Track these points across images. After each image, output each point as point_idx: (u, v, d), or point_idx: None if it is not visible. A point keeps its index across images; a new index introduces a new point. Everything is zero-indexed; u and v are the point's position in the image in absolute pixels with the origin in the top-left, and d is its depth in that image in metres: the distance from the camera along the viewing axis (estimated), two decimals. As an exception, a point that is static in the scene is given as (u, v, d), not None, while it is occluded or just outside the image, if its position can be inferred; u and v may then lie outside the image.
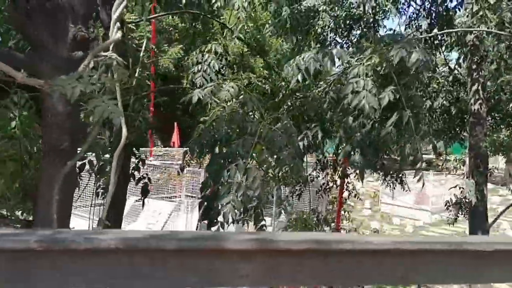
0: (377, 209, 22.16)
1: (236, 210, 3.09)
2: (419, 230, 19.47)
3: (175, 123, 16.35)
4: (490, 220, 7.07)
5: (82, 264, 0.91)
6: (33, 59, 2.37)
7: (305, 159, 7.23)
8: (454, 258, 1.20)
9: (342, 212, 12.67)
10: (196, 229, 3.33)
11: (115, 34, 2.43)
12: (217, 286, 1.07)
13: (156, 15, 7.94)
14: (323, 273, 1.13)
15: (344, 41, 7.92)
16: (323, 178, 9.18)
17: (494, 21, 5.77)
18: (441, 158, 26.23)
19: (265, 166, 3.09)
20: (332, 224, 12.26)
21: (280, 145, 3.26)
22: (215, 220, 3.35)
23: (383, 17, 7.73)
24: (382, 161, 9.37)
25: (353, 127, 4.35)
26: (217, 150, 3.35)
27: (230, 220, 3.23)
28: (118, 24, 2.51)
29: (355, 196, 10.34)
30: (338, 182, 9.64)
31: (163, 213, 12.22)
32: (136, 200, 11.90)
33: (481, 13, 5.62)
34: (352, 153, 4.35)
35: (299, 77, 4.45)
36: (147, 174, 4.50)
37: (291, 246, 1.07)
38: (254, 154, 3.34)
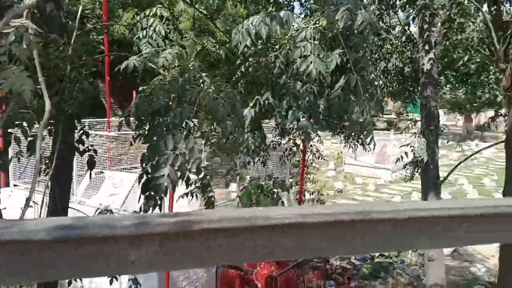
0: (340, 170, 22.61)
1: (172, 182, 2.99)
2: (380, 188, 20.08)
3: (134, 92, 15.89)
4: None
5: None
6: None
7: (266, 125, 7.18)
8: (371, 227, 1.17)
9: (306, 175, 12.81)
10: (138, 202, 3.19)
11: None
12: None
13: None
14: (230, 251, 1.08)
15: (299, 3, 7.76)
16: (285, 143, 9.18)
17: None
18: (401, 118, 26.89)
19: (205, 136, 3.00)
20: (296, 187, 12.44)
21: (223, 114, 3.16)
22: (154, 193, 3.18)
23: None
24: (342, 123, 9.50)
25: (301, 92, 4.30)
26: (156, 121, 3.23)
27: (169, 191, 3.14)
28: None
29: (318, 158, 10.42)
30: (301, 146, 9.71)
31: (125, 184, 12.04)
32: (96, 173, 11.74)
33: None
34: (302, 118, 4.31)
35: (248, 42, 4.32)
36: (92, 146, 4.34)
37: (203, 225, 1.01)
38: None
